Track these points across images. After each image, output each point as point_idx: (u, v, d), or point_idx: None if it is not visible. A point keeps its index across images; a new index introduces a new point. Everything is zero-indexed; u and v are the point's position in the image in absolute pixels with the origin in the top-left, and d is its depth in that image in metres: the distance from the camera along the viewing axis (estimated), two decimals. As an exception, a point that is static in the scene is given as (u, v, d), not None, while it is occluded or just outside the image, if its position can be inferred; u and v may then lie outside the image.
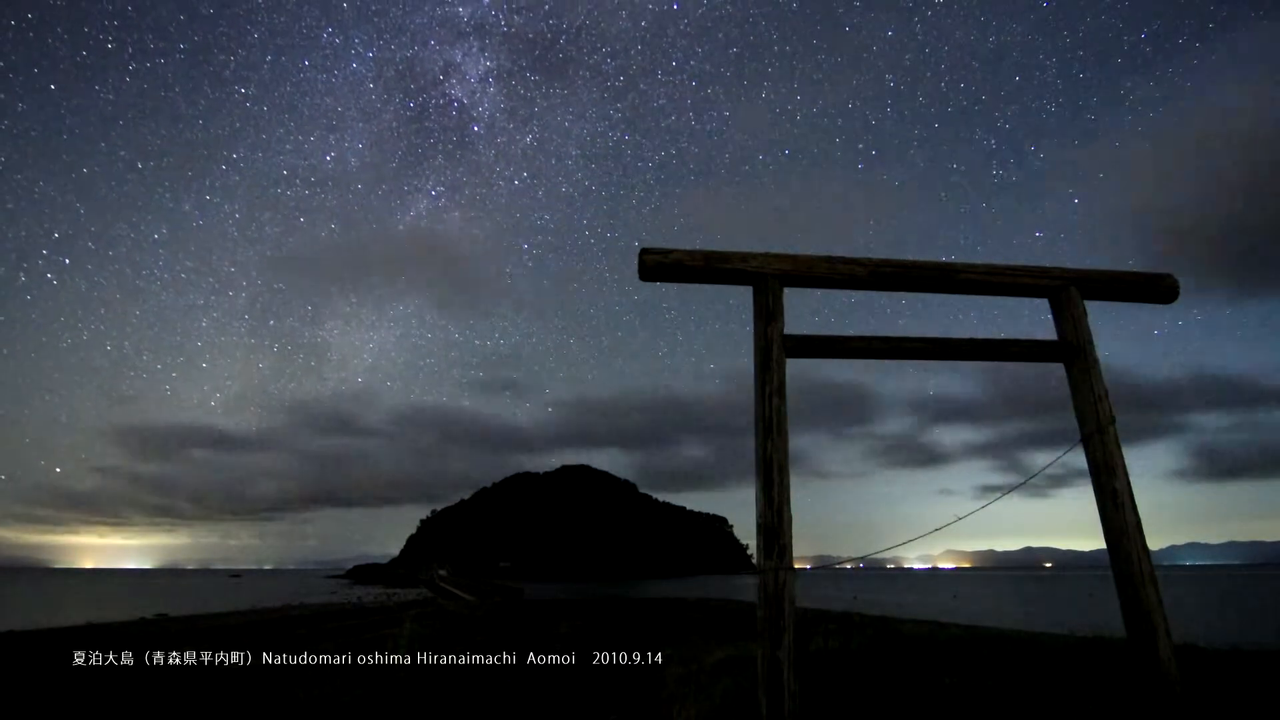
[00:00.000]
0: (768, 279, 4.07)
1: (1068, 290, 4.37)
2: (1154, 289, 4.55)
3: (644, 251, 4.02)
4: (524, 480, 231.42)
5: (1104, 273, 4.50)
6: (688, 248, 4.08)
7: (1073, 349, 4.25)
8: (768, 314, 4.00)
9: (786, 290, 4.15)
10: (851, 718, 4.59)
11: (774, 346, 3.93)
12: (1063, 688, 5.19)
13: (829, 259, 4.20)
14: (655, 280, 4.12)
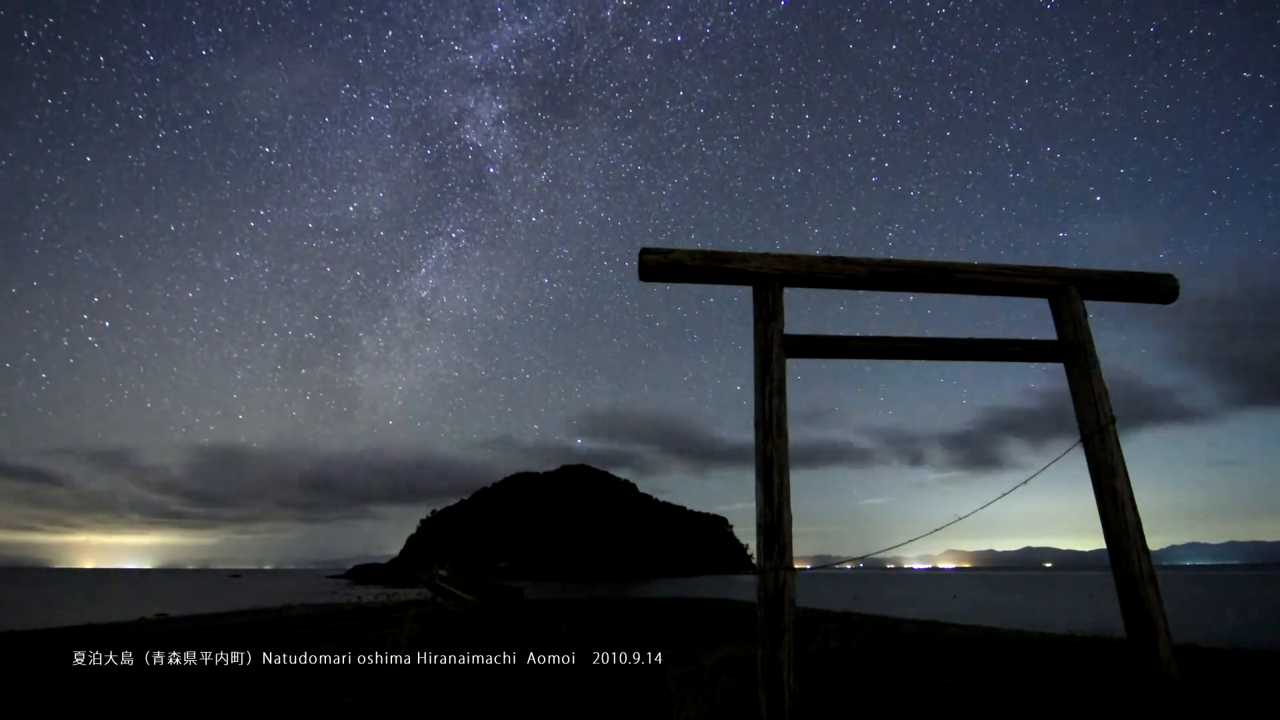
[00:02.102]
0: (768, 279, 4.07)
1: (1067, 290, 4.37)
2: (1154, 289, 4.55)
3: (644, 251, 4.02)
4: (524, 480, 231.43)
5: (1103, 272, 4.50)
6: (688, 248, 4.08)
7: (1073, 349, 4.25)
8: (768, 314, 4.00)
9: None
10: (851, 718, 4.59)
11: (774, 346, 3.93)
12: (1063, 688, 5.19)
13: (829, 259, 4.21)
14: (655, 280, 4.12)
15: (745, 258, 4.10)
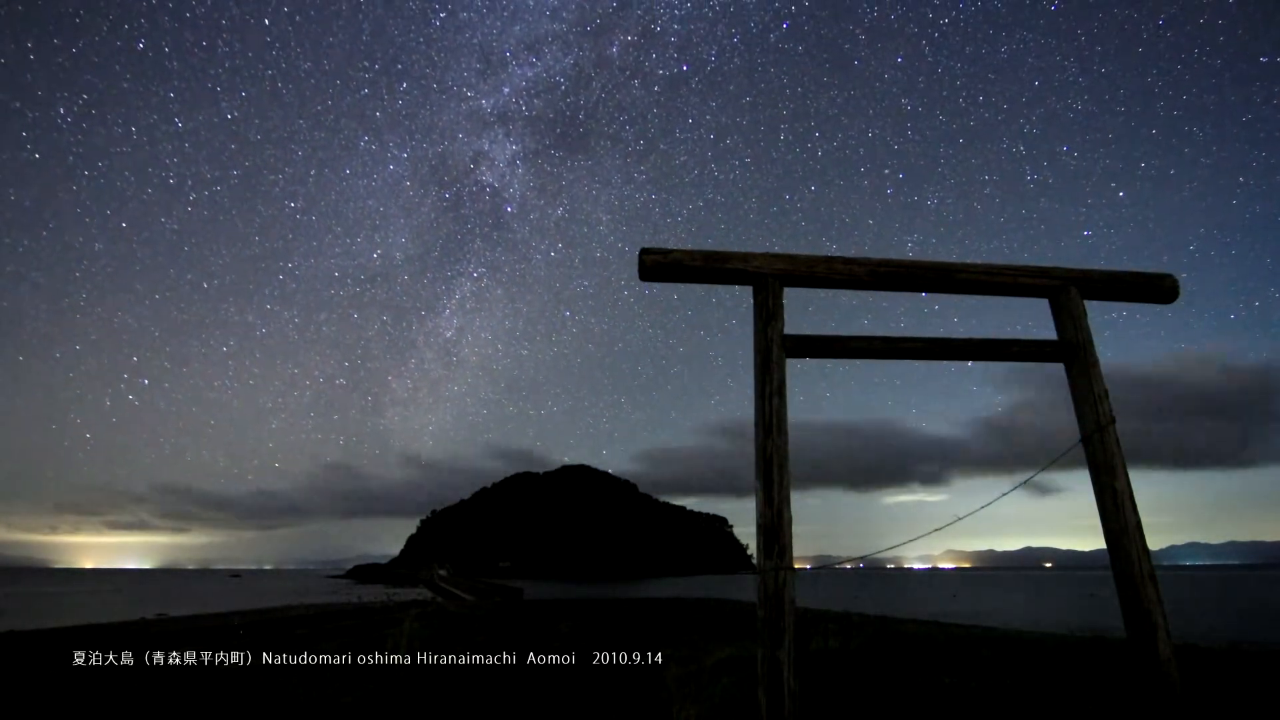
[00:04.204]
0: (767, 279, 4.07)
1: (1067, 290, 4.37)
2: (1154, 289, 4.55)
3: (644, 251, 4.01)
4: (524, 480, 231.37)
5: (1104, 272, 4.49)
6: (688, 248, 4.08)
7: (1073, 349, 4.24)
8: (768, 314, 4.00)
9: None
10: (851, 718, 4.59)
11: (774, 346, 3.92)
12: (1063, 688, 5.19)
13: (829, 259, 4.20)
14: (655, 280, 4.11)
15: (745, 257, 4.09)
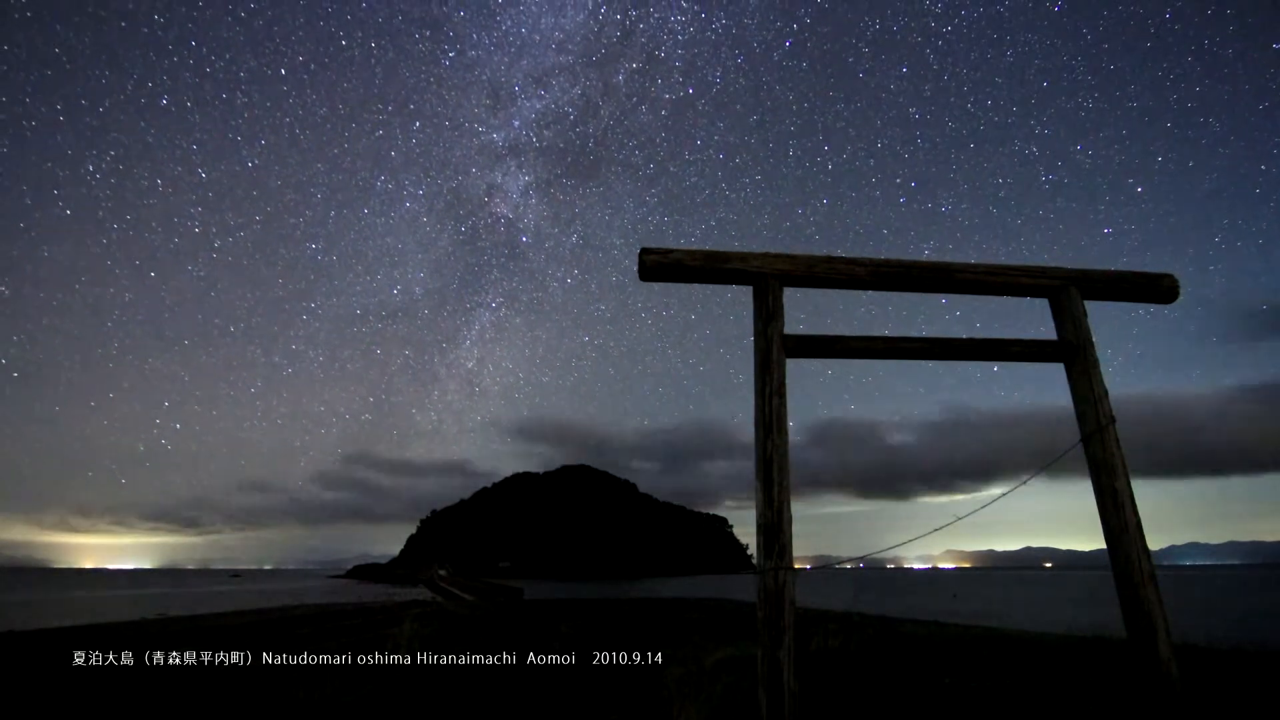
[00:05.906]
0: (768, 279, 4.07)
1: (1067, 290, 4.37)
2: (1154, 289, 4.55)
3: (644, 251, 4.01)
4: (524, 480, 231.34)
5: (1104, 272, 4.49)
6: (689, 247, 4.08)
7: (1073, 349, 4.24)
8: (768, 314, 4.00)
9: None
10: (851, 718, 4.59)
11: (774, 346, 3.92)
12: (1063, 688, 5.19)
13: (829, 259, 4.20)
14: (656, 280, 4.11)
15: (745, 257, 4.09)
